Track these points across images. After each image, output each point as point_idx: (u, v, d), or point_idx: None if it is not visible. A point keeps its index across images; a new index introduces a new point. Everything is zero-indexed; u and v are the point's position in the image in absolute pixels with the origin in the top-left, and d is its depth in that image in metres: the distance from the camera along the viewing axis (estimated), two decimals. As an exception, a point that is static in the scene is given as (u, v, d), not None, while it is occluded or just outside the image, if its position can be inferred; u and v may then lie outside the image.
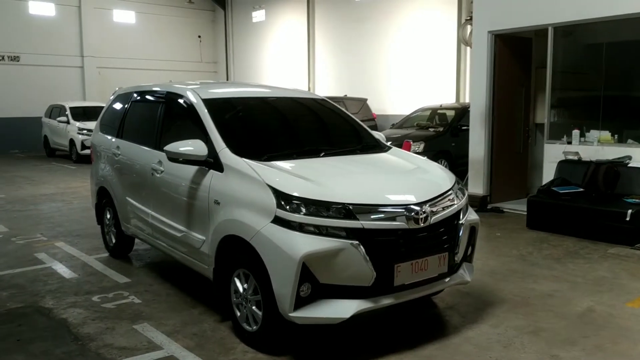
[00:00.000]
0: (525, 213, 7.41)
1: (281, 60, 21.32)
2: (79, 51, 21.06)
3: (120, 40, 21.99)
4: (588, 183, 7.03)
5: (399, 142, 9.94)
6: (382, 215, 3.51)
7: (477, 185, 8.79)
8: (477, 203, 8.46)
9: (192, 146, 4.12)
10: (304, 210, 3.43)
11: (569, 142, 7.74)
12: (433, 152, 10.95)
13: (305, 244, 3.33)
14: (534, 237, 6.75)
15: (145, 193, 5.12)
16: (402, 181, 4.05)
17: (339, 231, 3.40)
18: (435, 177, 4.13)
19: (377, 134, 5.11)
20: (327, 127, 5.22)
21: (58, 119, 16.50)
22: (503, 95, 8.70)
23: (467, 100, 14.55)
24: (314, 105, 5.34)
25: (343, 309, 3.43)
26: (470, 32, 10.24)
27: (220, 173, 4.02)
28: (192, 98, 4.63)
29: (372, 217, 3.48)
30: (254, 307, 3.70)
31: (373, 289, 3.48)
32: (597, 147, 7.42)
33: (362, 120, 13.61)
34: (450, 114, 12.42)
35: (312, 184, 3.62)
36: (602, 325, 4.11)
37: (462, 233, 3.93)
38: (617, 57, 7.75)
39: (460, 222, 3.94)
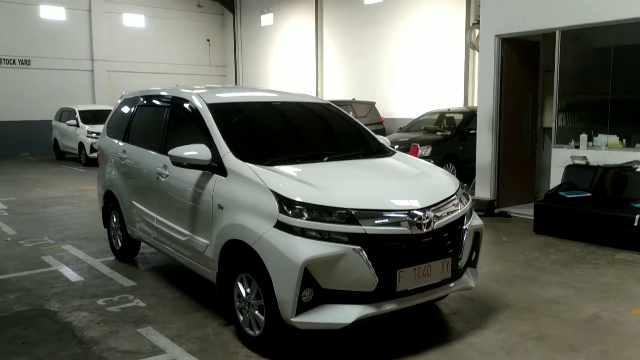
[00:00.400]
0: (532, 218, 7.36)
1: (289, 64, 21.37)
2: (89, 55, 21.25)
3: (130, 44, 22.17)
4: (596, 188, 6.98)
5: (407, 146, 9.95)
6: (385, 221, 3.51)
7: (484, 190, 8.76)
8: (484, 207, 8.43)
9: (196, 151, 4.14)
10: (306, 215, 3.43)
11: (577, 147, 7.69)
12: (440, 156, 10.94)
13: (307, 249, 3.34)
14: (541, 242, 6.71)
15: (151, 197, 5.15)
16: (406, 186, 4.04)
17: (341, 236, 3.40)
18: (439, 182, 4.12)
19: (381, 139, 5.11)
20: (331, 131, 5.23)
21: (68, 122, 16.64)
22: (510, 99, 8.66)
23: (475, 104, 14.53)
24: (319, 110, 5.35)
25: (345, 314, 3.42)
26: (478, 36, 10.20)
27: (224, 177, 4.03)
28: (197, 103, 4.65)
29: (374, 222, 3.48)
30: (256, 312, 3.71)
31: (375, 294, 3.47)
32: (605, 151, 7.36)
33: (369, 124, 13.64)
34: (458, 117, 12.40)
35: (315, 189, 3.62)
36: (608, 332, 4.08)
37: (466, 238, 3.92)
38: (625, 61, 7.69)
39: (464, 227, 3.92)
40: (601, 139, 7.48)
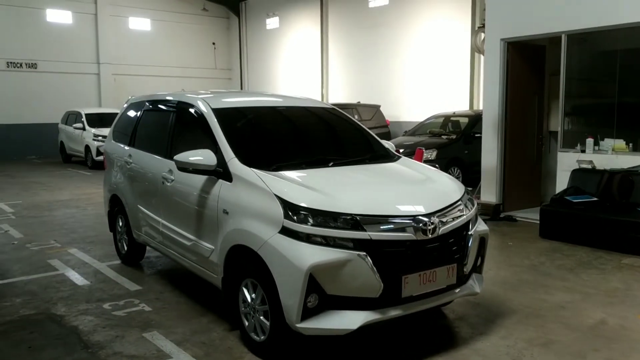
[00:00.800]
0: (538, 222, 7.34)
1: (295, 67, 21.41)
2: (95, 58, 21.37)
3: (136, 47, 22.28)
4: (602, 192, 6.95)
5: (412, 150, 9.95)
6: (390, 226, 3.50)
7: (489, 194, 8.74)
8: (489, 212, 8.41)
9: (201, 156, 4.15)
10: (311, 220, 3.44)
11: (583, 151, 7.66)
12: (445, 159, 10.93)
13: (312, 255, 3.34)
14: (547, 247, 6.68)
15: (156, 201, 5.17)
16: (411, 192, 4.03)
17: (346, 242, 3.40)
18: (444, 188, 4.11)
19: (386, 143, 5.10)
20: (336, 136, 5.23)
21: (74, 125, 16.73)
22: (516, 103, 8.64)
23: (480, 108, 14.50)
24: (324, 114, 5.35)
25: (350, 320, 3.42)
26: (483, 40, 10.18)
27: (229, 183, 4.04)
28: (203, 107, 4.66)
29: (379, 228, 3.47)
30: (261, 317, 3.71)
31: (381, 300, 3.46)
32: (612, 155, 7.33)
33: (375, 127, 13.64)
34: (464, 121, 12.38)
35: (320, 194, 3.62)
36: (614, 338, 4.05)
37: (472, 244, 3.91)
38: (632, 64, 7.65)
39: (470, 232, 3.91)
40: (607, 143, 7.45)
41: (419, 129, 12.92)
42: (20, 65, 19.83)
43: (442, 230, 3.65)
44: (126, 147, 5.94)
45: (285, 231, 3.45)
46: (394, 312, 3.53)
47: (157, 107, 5.72)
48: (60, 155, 18.49)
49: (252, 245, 3.66)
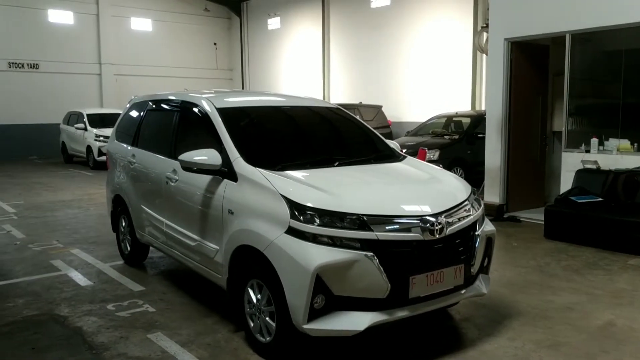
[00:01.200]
0: (543, 222, 7.30)
1: (296, 67, 21.38)
2: (96, 59, 21.35)
3: (137, 47, 22.26)
4: (607, 192, 6.92)
5: (414, 150, 9.90)
6: (397, 227, 3.47)
7: (493, 194, 8.70)
8: (493, 212, 8.37)
9: (206, 155, 4.11)
10: (317, 221, 3.40)
11: (587, 151, 7.62)
12: (448, 159, 10.89)
13: (319, 255, 3.31)
14: (552, 248, 6.65)
15: (160, 201, 5.14)
16: (418, 192, 4.00)
17: (353, 242, 3.37)
18: (451, 188, 4.08)
19: (391, 143, 5.07)
20: (341, 136, 5.20)
21: (76, 125, 16.71)
22: (519, 103, 8.61)
23: (482, 108, 14.47)
24: (328, 114, 5.32)
25: (357, 321, 3.38)
26: (487, 40, 10.16)
27: (234, 182, 4.01)
28: (207, 107, 4.63)
29: (386, 228, 3.44)
30: (267, 318, 3.68)
31: (388, 301, 3.43)
32: (616, 155, 7.29)
33: (377, 128, 13.63)
34: (466, 121, 12.35)
35: (326, 194, 3.59)
36: (623, 340, 4.02)
37: (479, 244, 3.87)
38: (637, 64, 7.62)
39: (477, 233, 3.88)
40: (612, 143, 7.41)
41: (421, 129, 12.89)
42: (22, 65, 19.81)
43: (449, 230, 3.62)
44: (129, 147, 5.91)
45: (291, 231, 3.42)
46: (401, 313, 3.50)
47: (161, 107, 5.69)
48: (62, 155, 18.47)
49: (257, 246, 3.62)
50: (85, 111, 17.07)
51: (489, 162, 8.81)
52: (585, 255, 6.28)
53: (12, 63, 19.63)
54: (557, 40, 8.37)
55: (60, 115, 18.47)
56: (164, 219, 5.05)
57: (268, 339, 3.70)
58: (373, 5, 17.85)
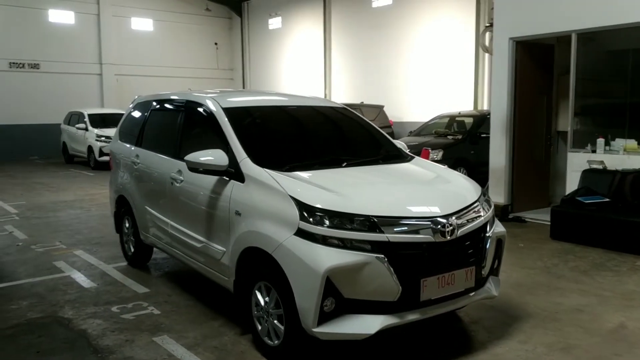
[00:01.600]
0: (548, 223, 7.25)
1: (297, 67, 21.33)
2: (97, 59, 21.29)
3: (138, 47, 22.20)
4: (614, 193, 6.86)
5: (418, 150, 9.84)
6: (408, 228, 3.42)
7: (498, 194, 8.64)
8: (498, 212, 8.23)
9: (212, 156, 4.06)
10: (327, 222, 3.35)
11: (594, 151, 7.57)
12: (452, 159, 10.82)
13: (329, 258, 3.25)
14: (559, 248, 6.60)
15: (165, 202, 5.09)
16: (428, 192, 3.95)
17: (363, 244, 3.31)
18: (461, 189, 4.03)
19: (398, 143, 5.02)
20: (348, 136, 5.14)
21: (77, 125, 16.65)
22: (524, 102, 8.56)
23: (485, 108, 14.42)
24: (335, 114, 5.27)
25: (368, 324, 3.33)
26: (491, 39, 10.10)
27: (241, 183, 3.95)
28: (212, 107, 4.58)
29: (397, 229, 3.39)
30: (275, 321, 3.62)
31: (399, 304, 3.38)
32: (623, 156, 7.24)
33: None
34: (469, 121, 12.29)
35: (336, 195, 3.54)
36: (635, 343, 3.97)
37: (489, 246, 3.83)
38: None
39: (487, 234, 3.83)
40: (619, 143, 7.36)
41: (424, 129, 12.83)
42: (23, 65, 19.75)
43: (460, 232, 3.56)
44: (133, 148, 5.85)
45: (301, 233, 3.37)
46: (412, 316, 3.45)
47: (165, 107, 5.64)
48: (63, 155, 18.40)
49: (266, 248, 3.57)
50: (86, 111, 17.02)
51: (494, 162, 8.76)
52: (592, 256, 6.23)
53: (13, 63, 19.57)
54: (561, 39, 8.31)
55: (61, 115, 18.41)
56: (168, 220, 5.00)
57: (276, 342, 3.65)
58: (374, 4, 17.80)
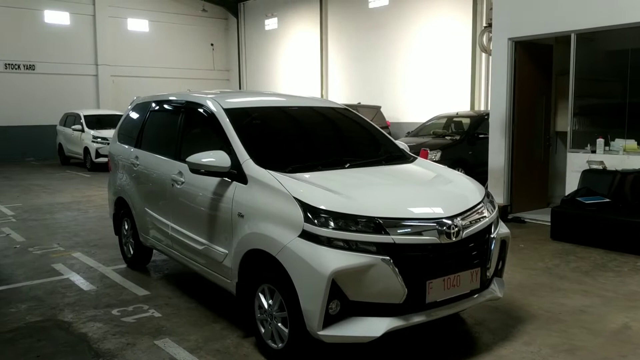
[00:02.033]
0: (548, 223, 7.24)
1: (294, 68, 21.30)
2: (93, 60, 21.20)
3: (134, 48, 22.12)
4: (614, 193, 6.86)
5: (416, 150, 9.80)
6: (413, 230, 3.39)
7: (497, 195, 8.62)
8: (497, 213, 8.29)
9: (214, 157, 4.02)
10: (332, 224, 3.32)
11: (593, 151, 7.57)
12: (450, 160, 10.79)
13: (334, 260, 3.22)
14: (559, 249, 6.58)
15: (165, 204, 5.04)
16: (432, 194, 3.93)
17: (369, 246, 3.28)
18: (465, 190, 4.01)
19: (400, 144, 4.99)
20: (350, 137, 5.11)
21: (73, 127, 16.56)
22: (523, 103, 8.55)
23: (481, 108, 14.42)
24: (337, 115, 5.23)
25: (373, 327, 3.30)
26: (490, 39, 10.11)
27: (244, 185, 3.92)
28: (213, 108, 4.54)
29: (402, 231, 3.36)
30: (279, 324, 3.59)
31: (404, 306, 3.35)
32: (623, 156, 7.24)
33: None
34: (466, 121, 12.28)
35: (340, 196, 3.51)
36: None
37: (494, 247, 3.81)
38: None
39: (492, 235, 3.81)
40: (618, 143, 7.36)
41: (421, 129, 12.82)
42: (18, 66, 19.64)
43: (465, 233, 3.54)
44: (132, 149, 5.80)
45: (305, 235, 3.33)
46: (417, 318, 3.42)
47: (164, 108, 5.59)
48: (59, 157, 18.30)
49: (269, 250, 3.54)
50: (83, 112, 16.94)
51: (493, 163, 8.75)
52: (593, 257, 6.22)
53: (8, 64, 19.47)
54: (560, 39, 8.31)
55: (57, 116, 18.32)
56: (169, 222, 4.95)
57: (280, 345, 3.62)
58: (371, 5, 17.80)
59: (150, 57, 22.37)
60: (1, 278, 5.71)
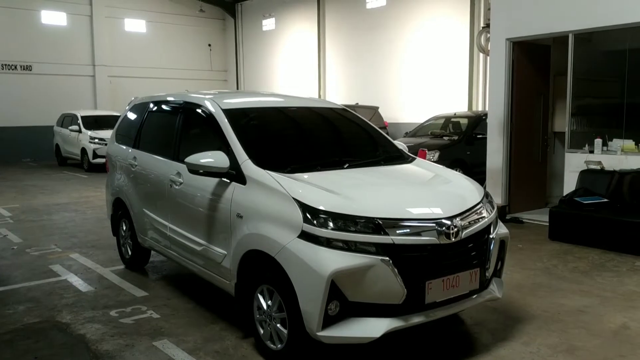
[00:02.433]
0: (546, 223, 7.25)
1: (291, 69, 21.29)
2: (90, 60, 21.16)
3: (131, 49, 22.08)
4: (612, 193, 6.87)
5: (414, 151, 9.80)
6: (413, 230, 3.39)
7: (495, 195, 8.59)
8: (496, 213, 8.30)
9: (213, 158, 4.01)
10: (331, 224, 3.31)
11: (591, 151, 7.58)
12: (448, 160, 10.79)
13: (334, 261, 3.21)
14: (558, 249, 6.59)
15: (163, 205, 5.03)
16: (431, 194, 3.92)
17: (368, 247, 3.28)
18: (464, 190, 4.00)
19: (399, 144, 4.99)
20: (349, 137, 5.10)
21: (70, 127, 16.52)
22: (521, 103, 8.57)
23: (479, 108, 14.44)
24: (336, 115, 5.22)
25: (373, 328, 3.29)
26: (487, 40, 10.11)
27: (242, 185, 3.91)
28: (212, 108, 4.53)
29: (402, 232, 3.36)
30: (278, 325, 3.58)
31: (403, 307, 3.34)
32: (621, 156, 7.25)
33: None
34: (464, 122, 12.29)
35: (339, 197, 3.50)
36: (639, 344, 3.95)
37: (493, 247, 3.81)
38: (640, 63, 7.59)
39: (491, 236, 3.81)
40: (616, 143, 7.37)
41: (419, 130, 12.83)
42: (15, 67, 19.59)
43: (464, 233, 3.54)
44: (130, 150, 5.78)
45: (304, 236, 3.32)
46: (417, 319, 3.41)
47: (162, 108, 5.58)
48: (56, 158, 18.27)
49: (268, 251, 3.53)
50: (80, 113, 16.91)
51: (491, 163, 8.76)
52: (591, 257, 6.22)
53: (5, 65, 19.41)
54: (558, 39, 8.33)
55: (54, 117, 18.27)
56: (167, 223, 4.94)
57: (279, 346, 3.61)
58: (369, 5, 17.81)
59: (147, 58, 22.34)
60: (-2, 279, 5.70)
